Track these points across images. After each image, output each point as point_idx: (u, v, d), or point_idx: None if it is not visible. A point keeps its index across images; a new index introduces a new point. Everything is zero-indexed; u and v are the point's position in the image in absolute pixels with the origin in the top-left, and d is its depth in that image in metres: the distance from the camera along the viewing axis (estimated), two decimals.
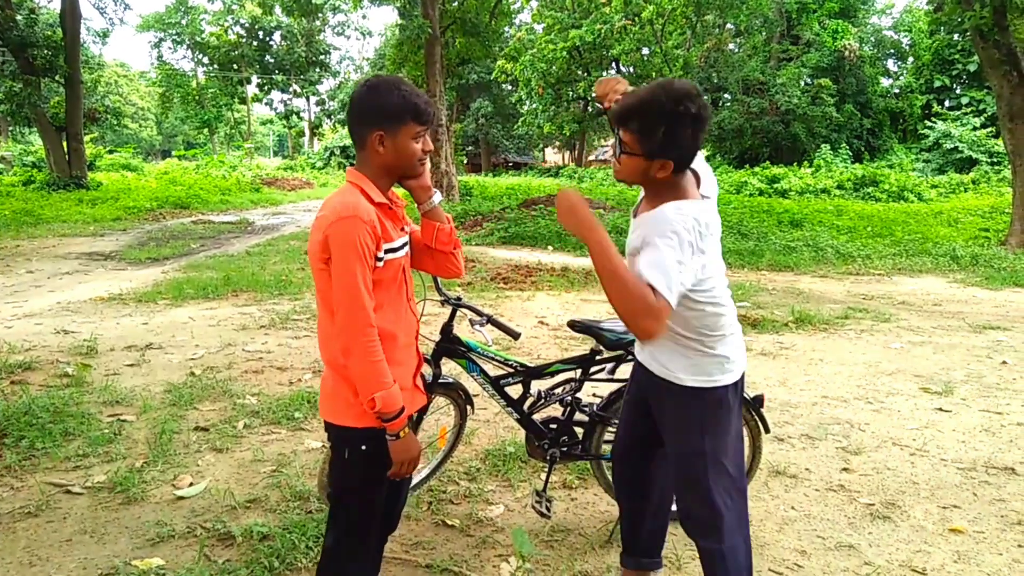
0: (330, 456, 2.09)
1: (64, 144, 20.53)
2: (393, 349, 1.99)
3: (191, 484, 3.52)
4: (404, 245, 2.03)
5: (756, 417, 3.03)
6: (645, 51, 32.93)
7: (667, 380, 2.17)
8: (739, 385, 2.19)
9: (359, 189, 1.92)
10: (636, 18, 28.57)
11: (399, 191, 2.14)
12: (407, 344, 2.09)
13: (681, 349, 2.14)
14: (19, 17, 19.32)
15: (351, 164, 2.04)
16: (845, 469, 3.82)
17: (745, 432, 3.12)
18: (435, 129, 19.63)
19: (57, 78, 20.11)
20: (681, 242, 1.85)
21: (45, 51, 19.30)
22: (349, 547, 2.09)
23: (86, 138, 23.02)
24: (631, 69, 36.59)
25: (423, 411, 3.18)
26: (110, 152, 35.37)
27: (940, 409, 4.74)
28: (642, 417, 2.38)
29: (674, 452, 2.23)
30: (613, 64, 37.30)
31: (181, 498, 3.38)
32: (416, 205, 2.16)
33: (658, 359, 2.19)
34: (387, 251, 1.92)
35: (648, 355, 2.24)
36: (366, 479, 2.00)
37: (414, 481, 3.45)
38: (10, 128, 36.98)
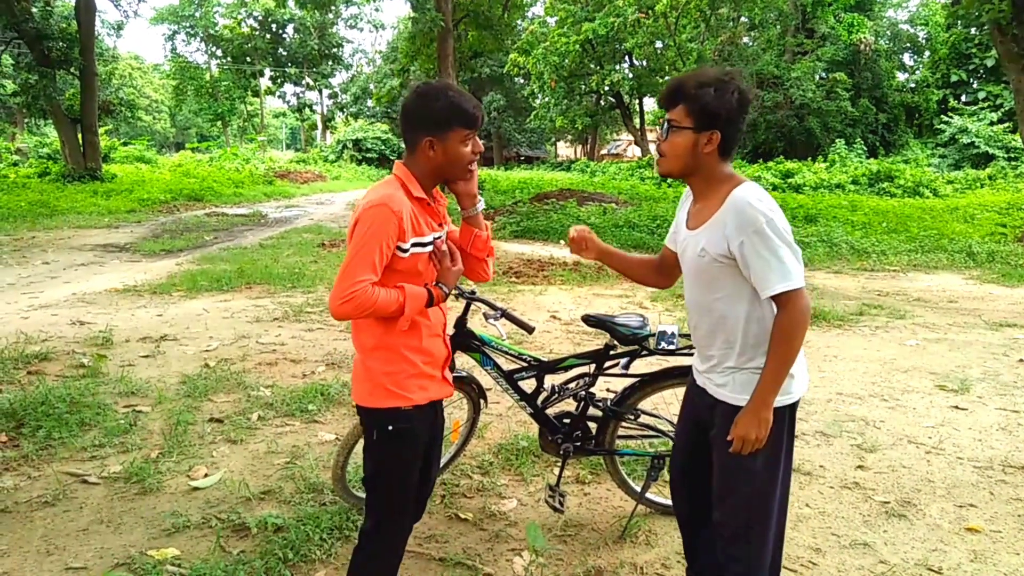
0: (363, 440, 2.16)
1: (79, 136, 20.66)
2: (420, 340, 2.08)
3: (206, 475, 3.54)
4: (435, 239, 2.09)
5: None
6: (658, 44, 32.82)
7: (721, 400, 2.12)
8: (795, 406, 2.13)
9: (400, 182, 2.01)
10: (649, 11, 28.45)
11: None
12: (435, 335, 2.16)
13: (741, 367, 2.08)
14: (34, 9, 19.43)
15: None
16: (860, 467, 3.79)
17: None
18: None
19: (72, 70, 20.23)
20: (777, 229, 1.91)
21: (60, 43, 19.40)
22: (387, 530, 2.14)
23: (100, 130, 23.12)
24: (644, 63, 36.48)
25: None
26: (124, 144, 35.50)
27: (956, 407, 4.70)
28: (696, 441, 2.31)
29: (721, 464, 2.16)
30: (626, 57, 37.20)
31: (196, 489, 3.40)
32: (460, 210, 2.23)
33: (715, 380, 2.14)
34: (415, 244, 1.99)
35: (705, 377, 2.19)
36: (397, 459, 2.08)
37: None
38: (26, 120, 37.20)
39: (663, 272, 2.43)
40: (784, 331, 1.95)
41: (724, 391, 2.11)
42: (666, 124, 2.02)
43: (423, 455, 2.19)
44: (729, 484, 2.15)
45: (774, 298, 1.94)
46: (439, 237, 2.12)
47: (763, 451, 2.05)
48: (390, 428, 2.04)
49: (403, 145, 2.10)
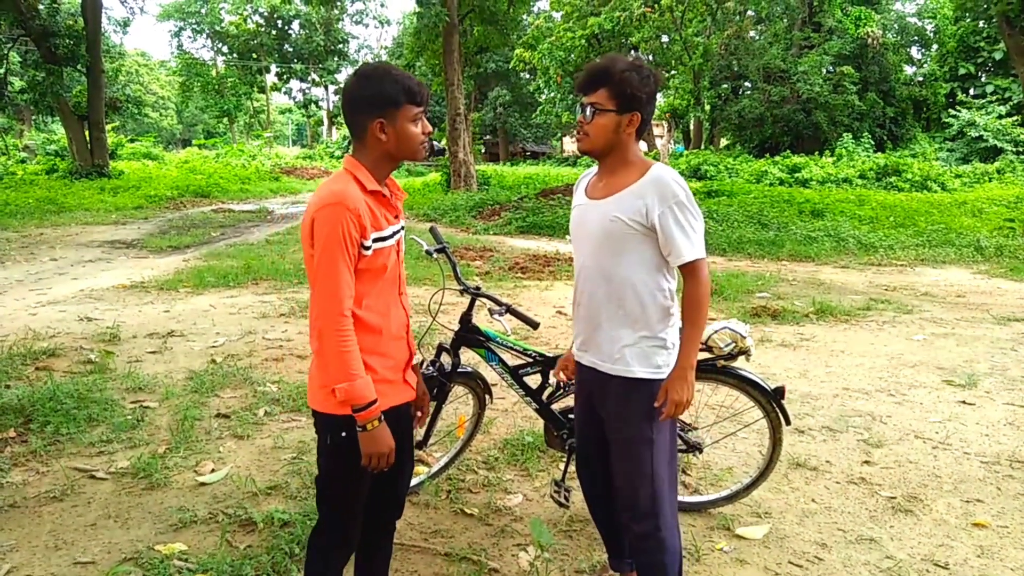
0: (317, 443, 2.10)
1: (86, 133, 20.73)
2: (379, 342, 2.00)
3: (213, 470, 3.55)
4: (395, 234, 2.01)
5: (777, 409, 3.00)
6: (664, 39, 32.68)
7: (613, 375, 2.20)
8: None
9: (352, 176, 1.92)
10: (656, 5, 28.33)
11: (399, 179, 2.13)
12: (397, 337, 2.08)
13: (631, 338, 2.17)
14: (41, 6, 19.46)
15: None
16: (866, 462, 3.78)
17: (765, 424, 3.10)
18: (453, 118, 19.63)
19: (79, 67, 20.26)
20: (693, 204, 2.08)
21: (67, 40, 19.43)
22: (332, 534, 2.10)
23: (108, 127, 23.16)
24: (650, 56, 36.34)
25: (441, 401, 3.19)
26: (131, 141, 35.61)
27: (963, 402, 4.68)
28: (594, 422, 2.38)
29: (619, 440, 2.25)
30: (632, 52, 37.01)
31: (203, 484, 3.42)
32: None
33: (610, 354, 2.21)
34: (376, 239, 1.91)
35: (594, 354, 2.26)
36: (348, 466, 2.00)
37: (433, 469, 3.47)
38: (33, 117, 37.37)
39: None
40: (696, 298, 2.11)
41: (618, 366, 2.19)
42: (589, 108, 2.13)
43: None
44: (629, 459, 2.23)
45: (684, 267, 2.09)
46: (398, 231, 2.04)
47: (653, 422, 2.17)
48: (344, 435, 1.96)
49: None
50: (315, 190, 1.94)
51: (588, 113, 2.13)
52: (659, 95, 2.17)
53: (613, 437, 2.28)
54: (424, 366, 3.13)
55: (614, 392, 2.22)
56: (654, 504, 2.21)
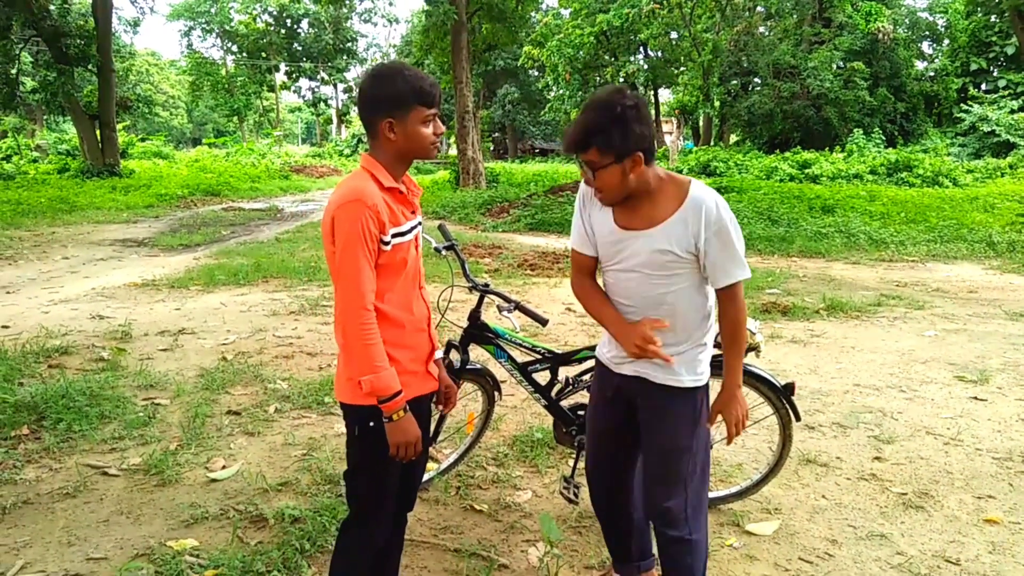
0: (346, 436, 2.13)
1: (97, 132, 20.84)
2: (402, 335, 2.04)
3: (224, 467, 3.58)
4: (413, 228, 2.05)
5: (787, 405, 2.99)
6: (674, 35, 32.62)
7: (663, 384, 2.17)
8: (708, 385, 2.29)
9: (369, 174, 1.96)
10: (664, 1, 28.26)
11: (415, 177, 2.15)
12: (419, 330, 2.13)
13: (679, 348, 2.15)
14: (52, 7, 19.57)
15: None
16: (877, 458, 3.77)
17: (775, 420, 3.10)
18: (462, 116, 19.63)
19: (90, 67, 20.37)
20: (736, 226, 2.06)
21: (78, 40, 19.53)
22: (364, 524, 2.14)
23: (118, 126, 23.27)
24: (659, 53, 36.26)
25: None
26: (142, 140, 35.72)
27: (975, 398, 4.65)
28: (614, 430, 2.37)
29: (659, 448, 2.24)
30: (641, 48, 36.95)
31: (214, 480, 3.44)
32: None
33: (656, 366, 2.16)
34: (395, 235, 1.95)
35: (641, 366, 2.20)
36: (376, 456, 2.03)
37: (443, 466, 3.48)
38: (45, 117, 37.61)
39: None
40: (738, 321, 2.14)
41: (668, 375, 2.17)
42: (589, 169, 2.03)
43: None
44: (667, 467, 2.22)
45: (724, 288, 2.08)
46: (416, 226, 2.08)
47: (695, 428, 2.19)
48: (371, 424, 2.00)
49: None
50: (334, 188, 1.98)
51: (590, 173, 2.04)
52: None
53: (653, 444, 2.25)
54: None
55: (660, 401, 2.20)
56: (688, 511, 2.20)
